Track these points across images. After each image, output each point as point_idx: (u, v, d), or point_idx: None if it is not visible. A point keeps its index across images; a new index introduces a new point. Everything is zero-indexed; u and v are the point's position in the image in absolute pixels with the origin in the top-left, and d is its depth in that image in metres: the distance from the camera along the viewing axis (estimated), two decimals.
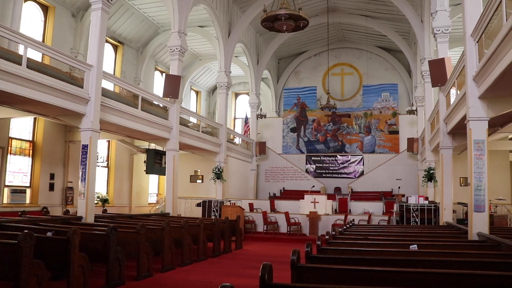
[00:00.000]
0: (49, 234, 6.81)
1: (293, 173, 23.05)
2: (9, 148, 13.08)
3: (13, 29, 9.05)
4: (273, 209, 17.37)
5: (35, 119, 13.81)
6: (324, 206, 15.53)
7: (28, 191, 13.57)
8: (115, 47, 18.37)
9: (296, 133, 24.25)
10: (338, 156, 23.38)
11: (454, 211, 13.13)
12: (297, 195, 18.94)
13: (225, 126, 18.48)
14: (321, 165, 23.54)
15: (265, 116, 23.39)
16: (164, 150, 14.82)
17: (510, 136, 14.91)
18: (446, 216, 11.39)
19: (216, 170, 17.38)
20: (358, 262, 4.71)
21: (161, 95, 14.27)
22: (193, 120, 17.38)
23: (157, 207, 19.03)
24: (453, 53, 16.80)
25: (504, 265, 4.71)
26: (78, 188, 10.39)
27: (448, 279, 3.84)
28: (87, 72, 10.31)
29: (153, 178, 20.26)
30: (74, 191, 14.38)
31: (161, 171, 17.31)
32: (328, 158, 23.50)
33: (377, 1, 19.07)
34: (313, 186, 20.17)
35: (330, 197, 17.02)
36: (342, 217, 14.76)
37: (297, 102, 24.47)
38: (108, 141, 17.19)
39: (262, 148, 22.47)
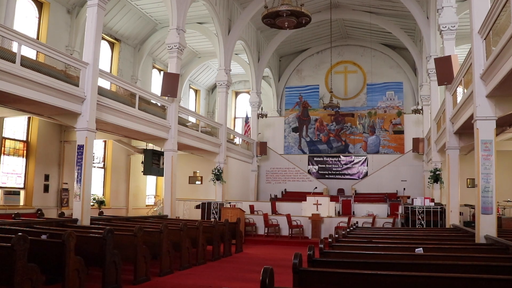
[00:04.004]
0: (43, 237, 6.68)
1: (295, 174, 22.83)
2: (3, 148, 12.87)
3: (6, 26, 8.92)
4: (274, 211, 17.16)
5: (29, 118, 13.63)
6: (327, 208, 15.38)
7: (22, 192, 13.36)
8: (112, 44, 18.18)
9: (298, 133, 24.05)
10: (341, 156, 23.15)
11: (461, 213, 13.04)
12: (299, 196, 18.78)
13: (225, 126, 18.31)
14: (323, 166, 23.31)
15: (266, 116, 23.19)
16: (162, 150, 14.73)
17: None
18: (453, 219, 11.31)
19: (216, 171, 17.23)
20: (362, 266, 4.67)
21: (159, 93, 14.13)
22: (192, 119, 17.26)
23: (155, 209, 18.83)
24: (460, 51, 16.66)
25: None
26: (73, 189, 10.25)
27: (455, 283, 3.80)
28: (82, 70, 10.20)
29: (151, 180, 20.10)
30: (69, 192, 14.20)
31: (159, 172, 17.15)
32: (331, 159, 23.26)
33: None
34: (316, 187, 20.00)
35: (333, 198, 16.91)
36: (346, 219, 14.60)
37: (299, 101, 24.26)
38: (105, 141, 17.02)
39: (263, 148, 22.30)
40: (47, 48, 9.49)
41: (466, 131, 10.39)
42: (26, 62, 8.64)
